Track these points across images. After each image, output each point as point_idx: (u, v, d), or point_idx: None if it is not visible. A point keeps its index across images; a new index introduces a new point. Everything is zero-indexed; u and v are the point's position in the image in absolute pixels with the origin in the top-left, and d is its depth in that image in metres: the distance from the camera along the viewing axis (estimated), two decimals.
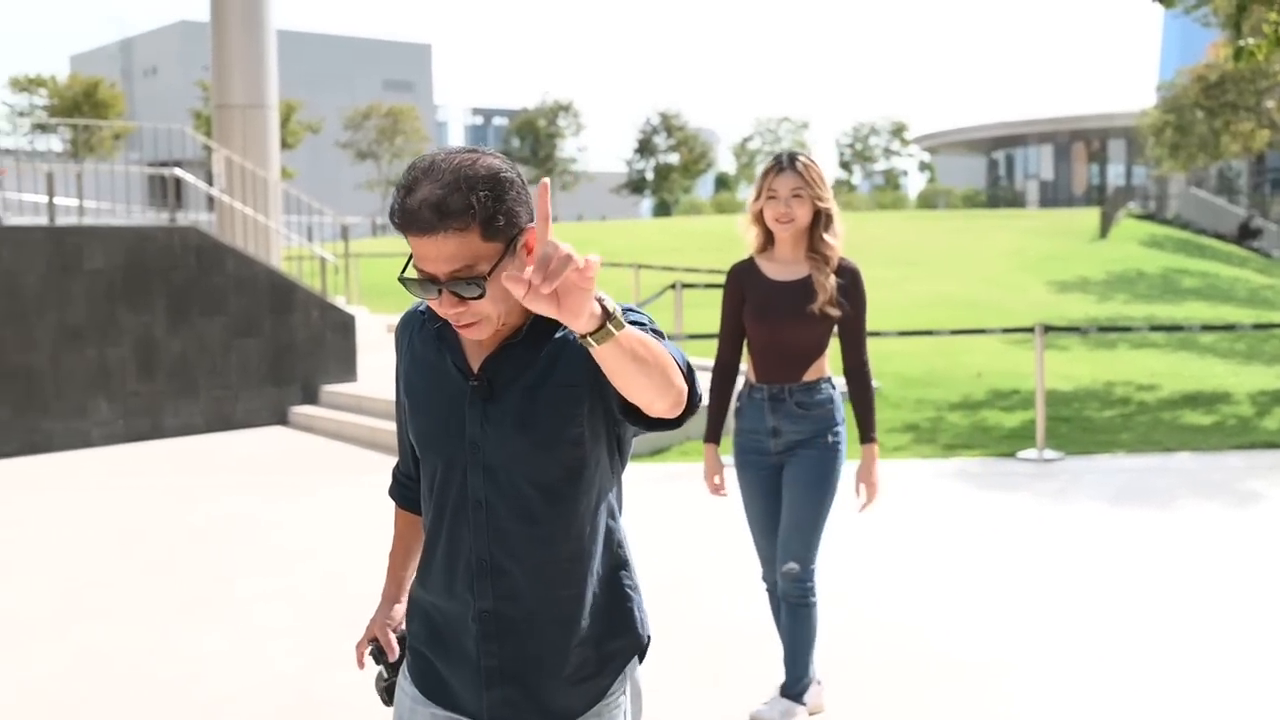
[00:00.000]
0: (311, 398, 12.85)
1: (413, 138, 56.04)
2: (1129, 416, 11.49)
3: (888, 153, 78.62)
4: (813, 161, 4.39)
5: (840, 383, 4.48)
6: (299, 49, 70.56)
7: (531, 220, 2.12)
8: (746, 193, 78.79)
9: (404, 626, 2.46)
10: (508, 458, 2.21)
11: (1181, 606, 6.11)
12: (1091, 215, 31.63)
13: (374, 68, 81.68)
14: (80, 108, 45.56)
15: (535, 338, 2.22)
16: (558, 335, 2.22)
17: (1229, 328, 11.59)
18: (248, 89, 16.21)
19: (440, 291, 2.07)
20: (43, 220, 12.30)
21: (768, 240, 4.41)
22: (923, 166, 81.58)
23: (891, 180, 78.67)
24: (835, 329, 4.41)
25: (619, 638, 2.33)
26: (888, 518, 8.21)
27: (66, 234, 11.65)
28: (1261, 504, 8.28)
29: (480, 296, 2.07)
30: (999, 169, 71.78)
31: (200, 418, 12.22)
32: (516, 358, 2.22)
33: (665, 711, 4.72)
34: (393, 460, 10.55)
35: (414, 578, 2.43)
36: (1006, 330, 10.89)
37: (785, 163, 4.35)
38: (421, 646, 2.37)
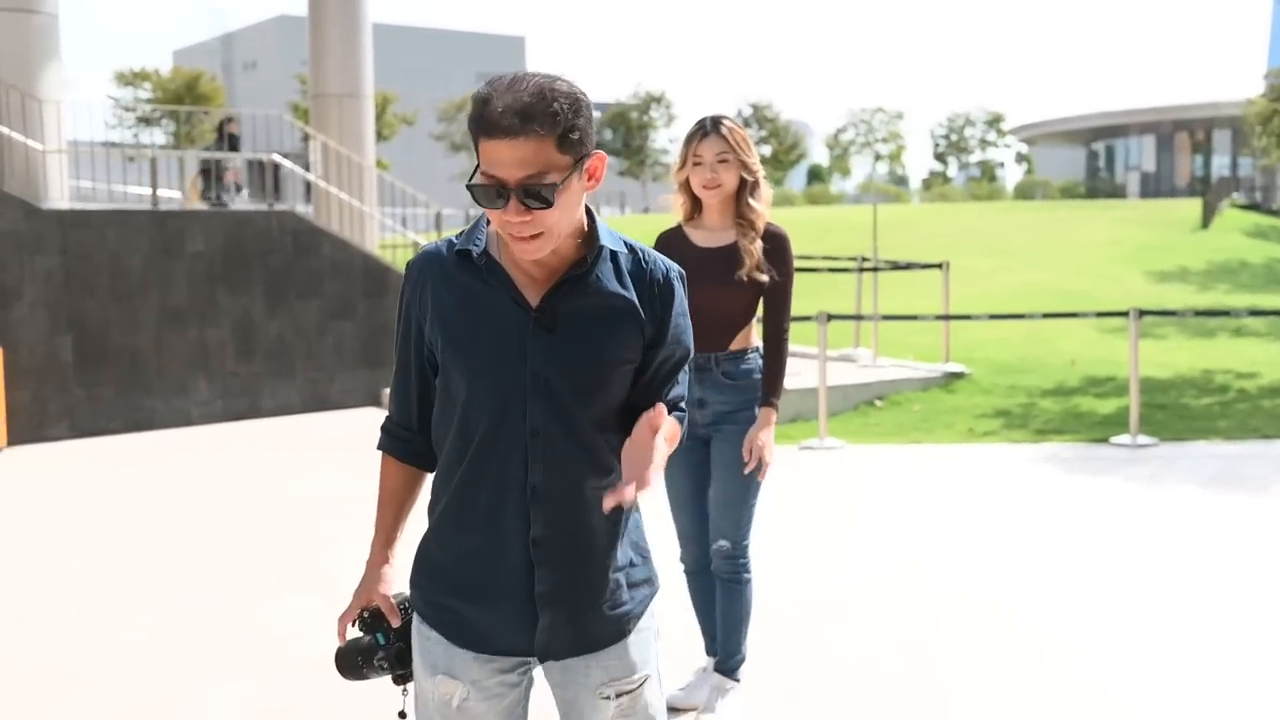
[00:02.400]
0: None
1: None
2: (1227, 404, 11.28)
3: (984, 144, 77.67)
4: (737, 125, 4.25)
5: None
6: (394, 42, 71.37)
7: (595, 149, 2.22)
8: (840, 184, 77.92)
9: (399, 591, 2.47)
10: (570, 388, 2.26)
11: (1271, 591, 6.01)
12: (1193, 206, 30.98)
13: (468, 60, 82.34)
14: (182, 101, 46.56)
15: (597, 272, 2.29)
16: (616, 272, 2.29)
17: None
18: (344, 79, 16.48)
19: (509, 199, 2.12)
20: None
21: (695, 207, 4.31)
22: (1020, 158, 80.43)
23: (987, 172, 77.65)
24: (762, 297, 4.26)
25: (642, 570, 2.43)
26: (978, 498, 8.16)
27: (169, 218, 11.95)
28: None
29: (547, 207, 2.13)
30: (1099, 160, 70.53)
31: (296, 398, 12.46)
32: (577, 291, 2.28)
33: None
34: None
35: (430, 533, 2.43)
36: (1100, 314, 10.75)
37: (709, 127, 4.22)
38: (443, 599, 2.37)
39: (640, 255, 2.34)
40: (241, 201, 14.98)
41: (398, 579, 2.48)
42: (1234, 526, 7.23)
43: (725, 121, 4.26)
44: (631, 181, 67.12)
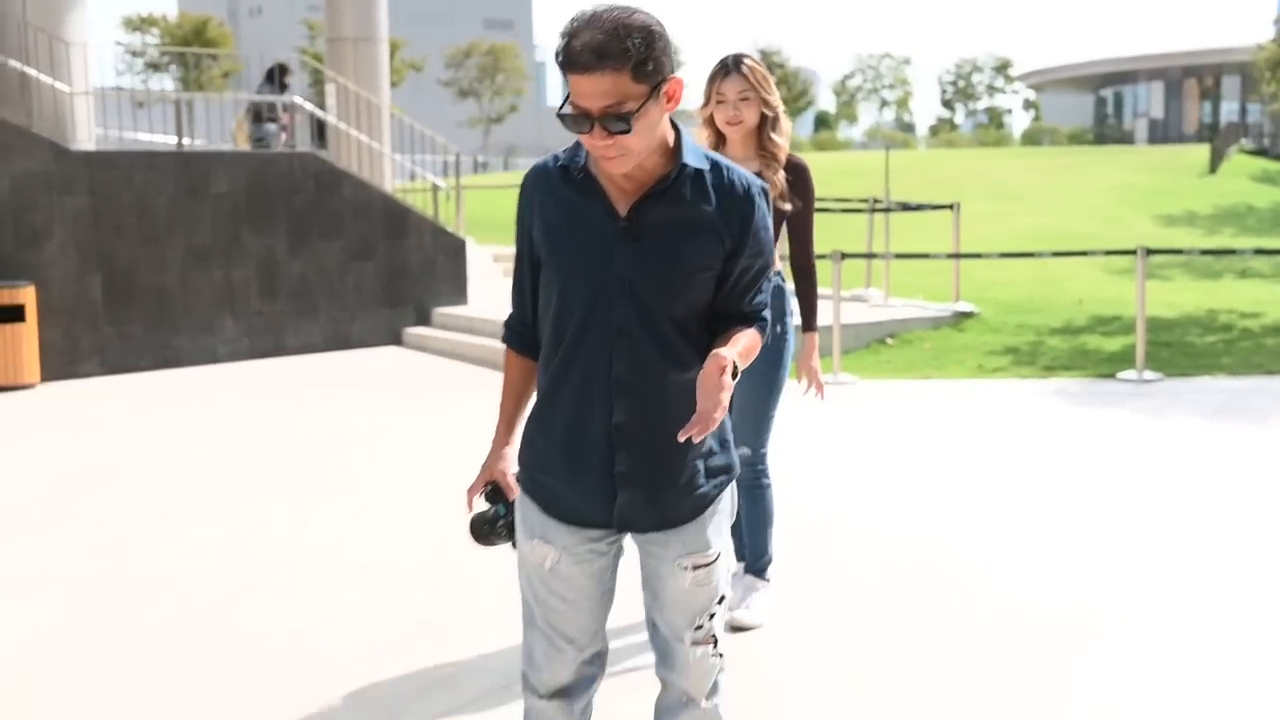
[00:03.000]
0: (424, 319, 13.29)
1: (513, 75, 56.43)
2: (1231, 342, 11.53)
3: (991, 90, 77.41)
4: (758, 64, 4.54)
5: (789, 278, 4.65)
6: None
7: (674, 71, 2.45)
8: (847, 131, 77.60)
9: (510, 469, 2.78)
10: (653, 292, 2.52)
11: (1262, 507, 6.28)
12: (1201, 152, 31.06)
13: (475, 7, 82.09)
14: (190, 45, 46.55)
15: (680, 187, 2.55)
16: (699, 186, 2.54)
17: None
18: (359, 23, 16.57)
19: (592, 126, 2.39)
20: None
21: (719, 142, 4.58)
22: (1027, 105, 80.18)
23: (995, 118, 77.45)
24: (785, 225, 4.54)
25: (720, 458, 2.69)
26: (987, 428, 8.43)
27: (193, 159, 12.17)
28: None
29: (626, 132, 2.39)
30: (1107, 107, 70.25)
31: (319, 337, 12.72)
32: (662, 203, 2.54)
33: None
34: (485, 374, 10.99)
35: (530, 415, 2.73)
36: (1108, 253, 10.97)
37: (731, 66, 4.49)
38: (541, 475, 2.68)
39: (724, 171, 2.59)
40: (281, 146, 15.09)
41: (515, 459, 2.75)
42: (1237, 455, 7.50)
43: (746, 60, 4.53)
44: None
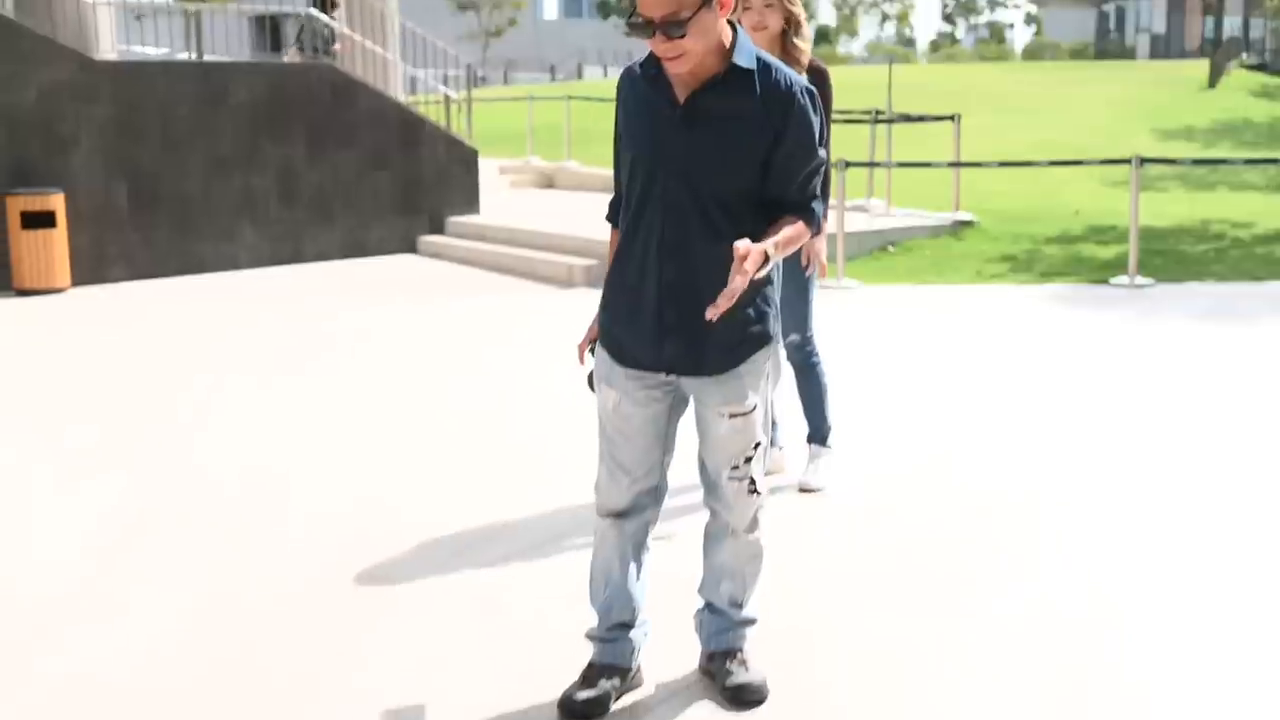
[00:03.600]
0: (438, 227, 13.65)
1: None
2: (1222, 251, 11.91)
3: (993, 4, 76.90)
4: None
5: None
6: None
7: None
8: (847, 46, 76.81)
9: None
10: (699, 170, 2.94)
11: (1246, 399, 6.72)
12: (1201, 67, 31.12)
13: None
14: None
15: (730, 82, 2.96)
16: (748, 83, 2.93)
17: None
18: None
19: (654, 32, 2.81)
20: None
21: None
22: (1029, 19, 79.67)
23: (996, 33, 77.04)
24: None
25: (757, 326, 3.14)
26: (985, 329, 8.85)
27: (213, 69, 12.45)
28: None
29: (683, 36, 2.81)
30: (1109, 22, 69.83)
31: (336, 244, 13.09)
32: (714, 96, 2.97)
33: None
34: (512, 280, 11.40)
35: (606, 278, 3.21)
36: (1103, 162, 11.31)
37: None
38: (610, 326, 3.18)
39: (771, 70, 2.99)
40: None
41: None
42: (1221, 354, 7.92)
43: None
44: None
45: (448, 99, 14.45)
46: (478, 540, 4.63)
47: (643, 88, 3.08)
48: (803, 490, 5.07)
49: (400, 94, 15.79)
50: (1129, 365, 7.62)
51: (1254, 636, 3.73)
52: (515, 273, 11.74)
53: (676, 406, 3.22)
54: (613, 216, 3.28)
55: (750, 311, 3.10)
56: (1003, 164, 12.29)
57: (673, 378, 3.12)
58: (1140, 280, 10.45)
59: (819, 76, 4.88)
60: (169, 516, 5.04)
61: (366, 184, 13.22)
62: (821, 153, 3.07)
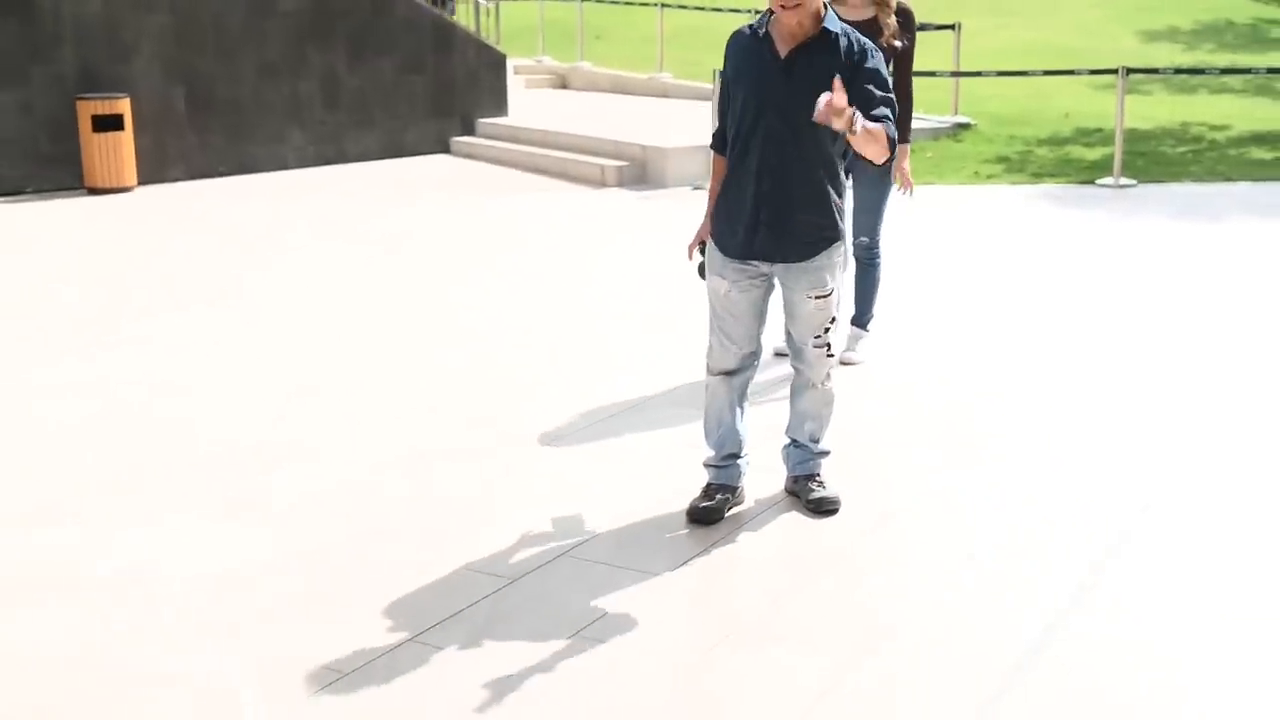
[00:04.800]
0: (469, 129, 14.55)
1: None
2: (1200, 152, 12.92)
3: None
4: None
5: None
6: None
7: None
8: None
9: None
10: (794, 107, 3.94)
11: (1214, 289, 7.81)
12: None
13: None
14: None
15: (821, 43, 4.00)
16: (834, 44, 3.95)
17: None
18: None
19: None
20: None
21: None
22: None
23: None
24: (894, 60, 5.81)
25: (830, 228, 4.19)
26: (983, 227, 9.90)
27: None
28: None
29: None
30: None
31: (376, 145, 13.99)
32: (810, 51, 4.00)
33: None
34: (548, 180, 12.37)
35: (719, 191, 4.23)
36: (1093, 72, 12.25)
37: None
38: (722, 224, 4.23)
39: (851, 37, 4.02)
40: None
41: None
42: (1193, 249, 9.00)
43: None
44: None
45: (477, 3, 15.24)
46: (598, 407, 5.70)
47: (751, 44, 4.11)
48: (843, 364, 6.14)
49: None
50: (1112, 261, 8.70)
51: (1227, 522, 4.84)
52: (550, 173, 12.68)
53: (769, 292, 4.28)
54: (716, 145, 4.32)
55: (820, 215, 4.14)
56: (1000, 73, 13.24)
57: (768, 268, 4.17)
58: (1124, 181, 11.48)
59: (907, 16, 5.90)
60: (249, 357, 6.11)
61: (403, 88, 14.09)
62: (889, 95, 4.06)
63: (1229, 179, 11.68)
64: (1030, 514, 4.41)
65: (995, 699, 3.20)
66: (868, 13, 5.79)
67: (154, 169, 12.56)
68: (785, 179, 4.07)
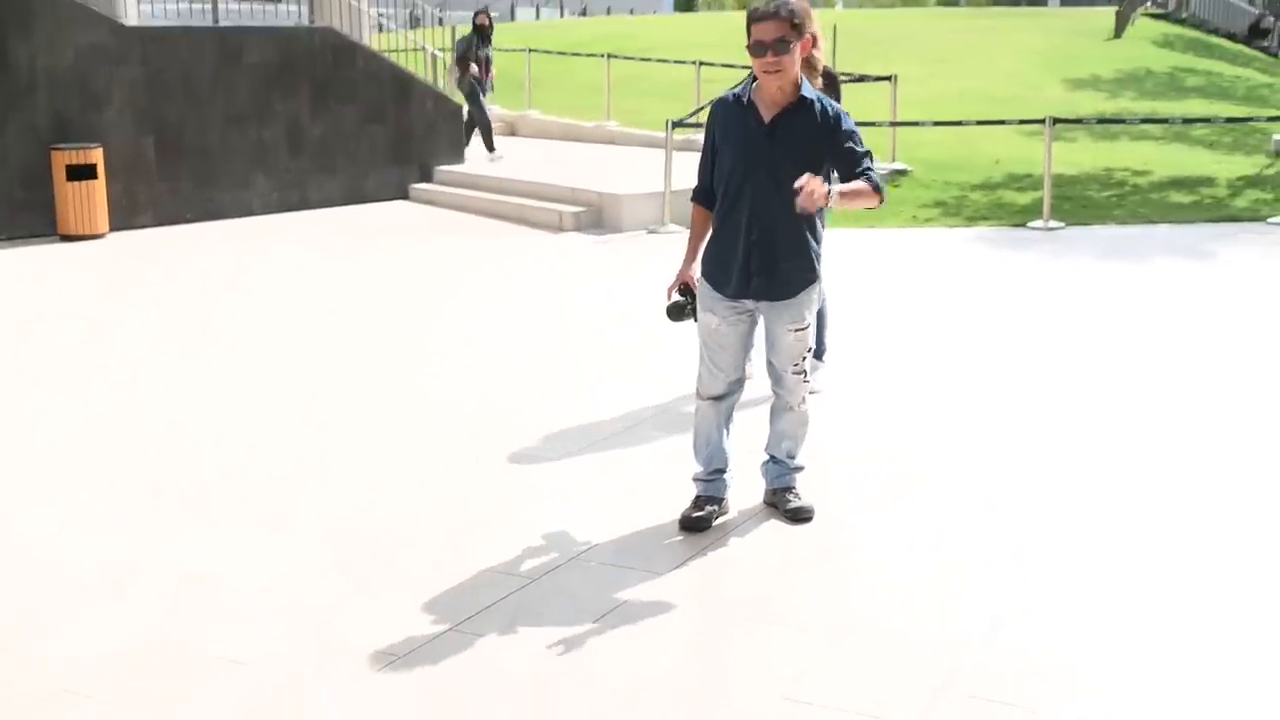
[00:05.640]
0: (428, 176, 15.08)
1: None
2: (1123, 196, 13.73)
3: None
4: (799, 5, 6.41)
5: None
6: None
7: (806, 34, 4.53)
8: None
9: (695, 275, 4.83)
10: (779, 168, 4.51)
11: (1139, 327, 8.50)
12: (1109, 15, 33.06)
13: None
14: None
15: (799, 109, 4.58)
16: (810, 110, 4.54)
17: (1207, 120, 13.71)
18: None
19: (767, 50, 4.44)
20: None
21: None
22: None
23: None
24: None
25: (810, 271, 4.78)
26: (923, 266, 10.56)
27: (229, 34, 13.74)
28: (1215, 261, 10.63)
29: (786, 54, 4.46)
30: None
31: (338, 191, 14.49)
32: (790, 115, 4.59)
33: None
34: (508, 225, 12.91)
35: (709, 239, 4.79)
36: (1022, 122, 13.03)
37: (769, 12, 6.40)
38: (713, 269, 4.78)
39: (824, 102, 4.61)
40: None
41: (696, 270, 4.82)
42: (1118, 288, 9.70)
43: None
44: None
45: (434, 56, 15.81)
46: (587, 429, 6.23)
47: (736, 112, 4.70)
48: None
49: (368, 38, 17.01)
50: (1045, 299, 9.38)
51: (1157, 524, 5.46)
52: (509, 219, 13.23)
53: (754, 326, 4.85)
54: (697, 198, 4.88)
55: (801, 259, 4.73)
56: (936, 123, 13.99)
57: (752, 305, 4.74)
58: (1053, 224, 12.23)
59: (831, 80, 6.48)
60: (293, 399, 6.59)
61: (364, 136, 14.62)
62: (866, 149, 4.64)
63: (1151, 221, 12.46)
64: (964, 554, 5.00)
65: (945, 684, 3.77)
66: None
67: (125, 216, 12.96)
68: (771, 230, 4.64)
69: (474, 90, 15.80)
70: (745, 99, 4.68)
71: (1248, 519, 5.03)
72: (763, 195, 4.61)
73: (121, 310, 9.40)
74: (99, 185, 12.57)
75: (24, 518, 5.14)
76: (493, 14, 16.76)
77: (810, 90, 4.65)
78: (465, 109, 15.79)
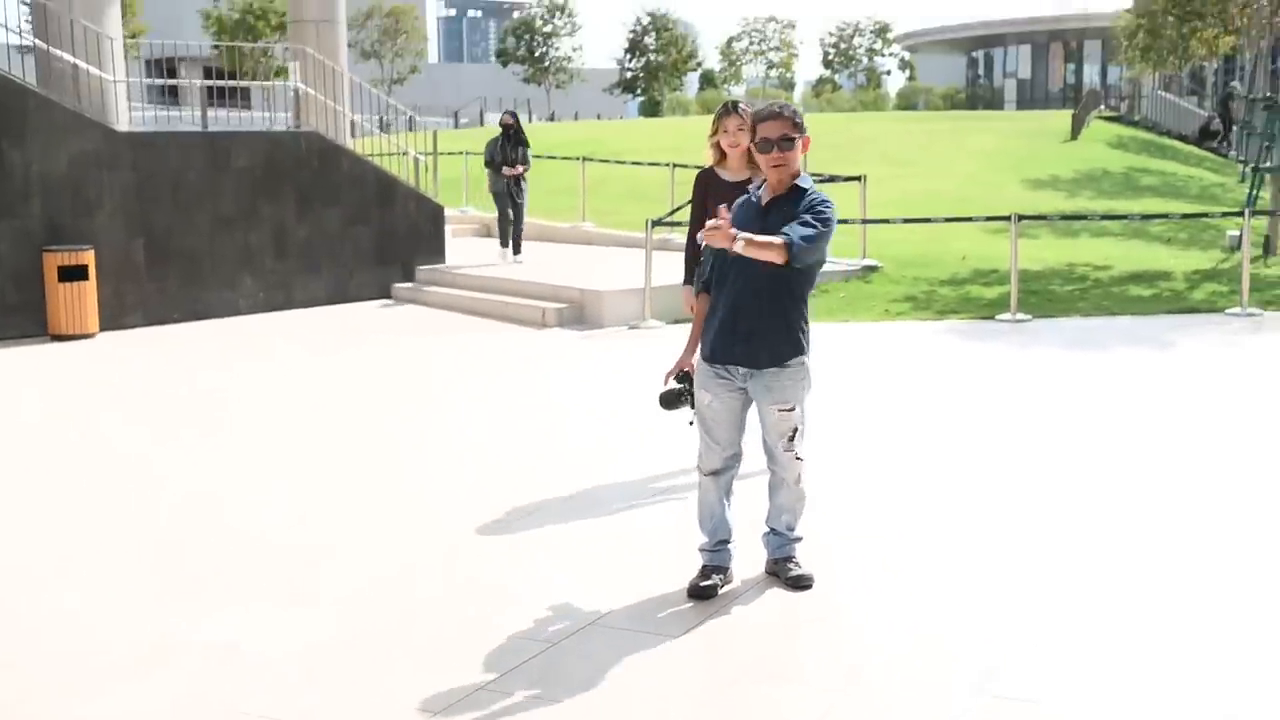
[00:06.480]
0: (410, 276, 15.43)
1: (414, 38, 57.69)
2: (1085, 290, 14.21)
3: (871, 53, 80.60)
4: (748, 107, 6.68)
5: None
6: None
7: (805, 133, 4.91)
8: (734, 90, 79.24)
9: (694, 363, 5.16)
10: None
11: (1107, 413, 8.87)
12: (1064, 117, 34.07)
13: None
14: None
15: (793, 194, 4.97)
16: (803, 195, 4.91)
17: (1164, 216, 14.26)
18: (320, 7, 18.40)
19: (773, 147, 4.85)
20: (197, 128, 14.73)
21: (721, 157, 6.84)
22: (903, 64, 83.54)
23: (873, 80, 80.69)
24: None
25: (796, 347, 5.10)
26: (896, 361, 10.93)
27: (217, 139, 14.14)
28: (1175, 349, 11.06)
29: (790, 149, 4.87)
30: (978, 68, 73.94)
31: (323, 291, 14.80)
32: (784, 201, 4.97)
33: None
34: (493, 323, 13.23)
35: (706, 315, 5.12)
36: (989, 218, 13.52)
37: (731, 109, 6.75)
38: (705, 338, 5.13)
39: (816, 192, 4.98)
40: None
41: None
42: (1084, 376, 10.10)
43: (741, 105, 6.81)
44: (535, 88, 68.92)
45: (416, 160, 16.25)
46: (588, 510, 6.50)
47: (746, 203, 5.13)
48: None
49: (348, 140, 17.39)
50: (1016, 386, 9.75)
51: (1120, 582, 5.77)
52: (492, 316, 13.56)
53: (746, 404, 5.16)
54: (689, 280, 5.26)
55: (788, 330, 5.08)
56: (907, 220, 14.49)
57: (743, 379, 5.05)
58: (1020, 316, 12.67)
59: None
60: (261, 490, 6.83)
61: (348, 238, 14.98)
62: (825, 228, 4.95)
63: (1114, 313, 12.92)
64: (952, 621, 5.28)
65: None
66: (744, 174, 6.74)
67: (113, 317, 13.20)
68: (757, 301, 5.00)
69: (505, 192, 15.94)
70: (757, 188, 5.11)
71: (1212, 594, 5.34)
72: (748, 270, 4.94)
73: (121, 406, 9.63)
74: (90, 286, 12.84)
75: (47, 598, 5.35)
76: (515, 112, 16.80)
77: (808, 181, 5.02)
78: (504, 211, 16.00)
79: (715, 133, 6.81)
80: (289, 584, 5.43)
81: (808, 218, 4.91)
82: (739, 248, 4.67)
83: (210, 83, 15.18)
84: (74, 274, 12.71)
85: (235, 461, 7.72)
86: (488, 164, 16.07)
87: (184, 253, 13.77)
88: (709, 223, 4.66)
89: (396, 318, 13.97)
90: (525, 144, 16.03)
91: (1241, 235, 13.58)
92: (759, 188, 5.14)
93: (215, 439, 8.34)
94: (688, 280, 6.89)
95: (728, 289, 5.05)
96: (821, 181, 17.73)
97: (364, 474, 7.36)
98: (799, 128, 4.96)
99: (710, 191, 6.72)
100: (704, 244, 4.72)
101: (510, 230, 16.00)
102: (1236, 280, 13.55)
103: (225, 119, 15.57)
